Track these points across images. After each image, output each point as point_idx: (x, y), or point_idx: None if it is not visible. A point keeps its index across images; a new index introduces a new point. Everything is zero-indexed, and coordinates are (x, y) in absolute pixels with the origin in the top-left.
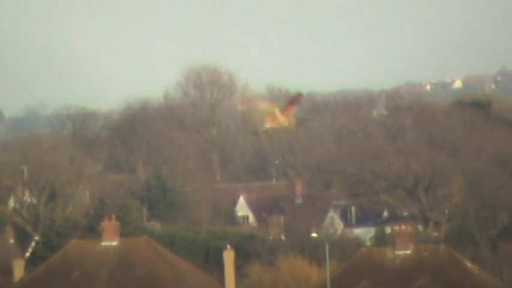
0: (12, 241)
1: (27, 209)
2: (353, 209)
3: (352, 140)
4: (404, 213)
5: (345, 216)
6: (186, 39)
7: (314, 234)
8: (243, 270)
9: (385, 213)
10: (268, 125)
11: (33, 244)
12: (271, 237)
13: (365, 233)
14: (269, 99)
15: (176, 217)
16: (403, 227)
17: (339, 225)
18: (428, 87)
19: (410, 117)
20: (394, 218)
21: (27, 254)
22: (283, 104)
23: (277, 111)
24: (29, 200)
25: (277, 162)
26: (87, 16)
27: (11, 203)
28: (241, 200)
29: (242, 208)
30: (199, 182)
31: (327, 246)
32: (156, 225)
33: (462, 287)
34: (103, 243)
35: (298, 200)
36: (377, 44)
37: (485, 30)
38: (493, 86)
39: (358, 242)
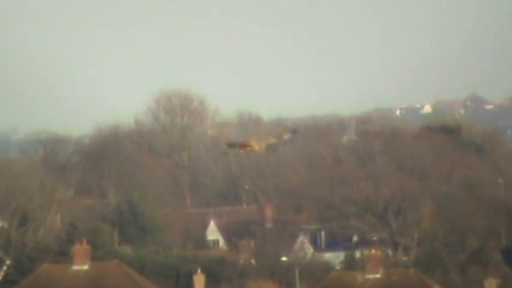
0: None
1: None
2: (323, 233)
3: (322, 165)
4: (374, 238)
5: (314, 241)
6: (157, 64)
7: (284, 258)
8: None
9: (355, 238)
10: (236, 145)
11: (4, 268)
12: (241, 261)
13: (335, 257)
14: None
15: (147, 241)
16: (373, 251)
17: (309, 249)
18: (398, 112)
19: (380, 143)
20: (363, 243)
21: None
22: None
23: (251, 137)
24: (0, 225)
25: (247, 186)
26: (58, 41)
27: None
28: (212, 224)
29: (212, 232)
30: (170, 206)
31: (296, 271)
32: (126, 249)
33: None
34: (74, 268)
35: (269, 225)
36: (347, 70)
37: (454, 55)
38: (462, 111)
39: (328, 266)
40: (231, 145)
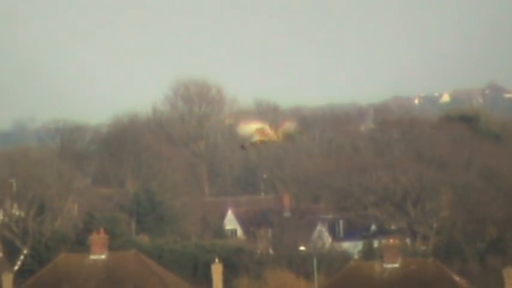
0: (0, 254)
1: (15, 223)
2: (341, 222)
3: (341, 154)
4: (392, 227)
5: (332, 230)
6: (175, 53)
7: (302, 248)
8: (231, 283)
9: (373, 227)
10: (256, 137)
11: (21, 257)
12: (259, 251)
13: (353, 246)
14: (258, 116)
15: (165, 230)
16: (391, 240)
17: (327, 238)
18: (416, 101)
19: (398, 131)
20: (382, 232)
21: (16, 268)
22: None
23: (267, 126)
24: (17, 214)
25: (265, 176)
26: (75, 30)
27: (0, 216)
28: (230, 213)
29: (230, 221)
30: (187, 195)
31: (314, 260)
32: (144, 239)
33: None
34: (91, 257)
35: (286, 214)
36: (365, 58)
37: (473, 44)
38: (480, 100)
39: (346, 256)
40: (247, 145)
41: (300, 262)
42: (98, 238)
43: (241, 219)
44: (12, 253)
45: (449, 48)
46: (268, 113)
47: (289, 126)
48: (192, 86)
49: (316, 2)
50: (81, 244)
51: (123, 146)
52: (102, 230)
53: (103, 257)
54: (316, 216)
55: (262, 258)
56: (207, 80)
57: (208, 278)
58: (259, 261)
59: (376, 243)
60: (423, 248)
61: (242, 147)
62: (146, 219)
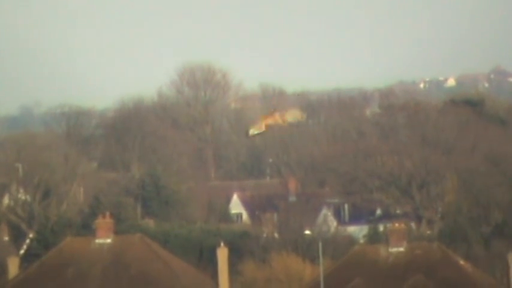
0: (6, 238)
1: (21, 207)
2: (346, 206)
3: (346, 139)
4: (398, 211)
5: (338, 214)
6: (180, 38)
7: (307, 232)
8: (237, 267)
9: (378, 211)
10: (262, 126)
11: (27, 241)
12: (264, 235)
13: (358, 230)
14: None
15: (170, 215)
16: (396, 224)
17: (332, 223)
18: (421, 86)
19: (403, 116)
20: (387, 216)
21: (22, 252)
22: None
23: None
24: (23, 198)
25: (271, 160)
26: (81, 15)
27: (6, 200)
28: (235, 197)
29: (236, 206)
30: (193, 180)
31: (320, 244)
32: (150, 223)
33: (455, 285)
34: (97, 241)
35: (292, 198)
36: (370, 43)
37: (478, 28)
38: (486, 85)
39: (351, 240)
40: (253, 134)
41: (305, 246)
42: (103, 222)
43: (246, 204)
44: (18, 237)
45: (454, 32)
46: (273, 97)
47: (296, 114)
48: (197, 70)
49: None
50: (86, 228)
51: (128, 130)
52: (108, 214)
53: (108, 241)
54: (322, 200)
55: (267, 242)
56: (212, 64)
57: (213, 262)
58: (265, 245)
59: (381, 227)
60: (428, 232)
61: (247, 135)
62: (151, 203)
